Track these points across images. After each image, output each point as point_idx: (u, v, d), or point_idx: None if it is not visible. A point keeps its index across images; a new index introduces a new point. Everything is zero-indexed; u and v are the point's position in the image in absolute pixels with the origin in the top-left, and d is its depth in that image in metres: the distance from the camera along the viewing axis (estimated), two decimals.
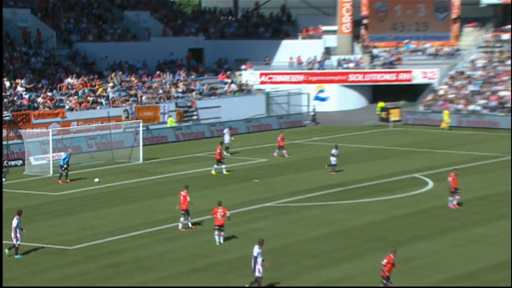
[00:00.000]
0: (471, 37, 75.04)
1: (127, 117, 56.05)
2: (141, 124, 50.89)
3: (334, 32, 74.78)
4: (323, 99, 70.96)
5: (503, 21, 75.04)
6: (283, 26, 78.65)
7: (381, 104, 67.46)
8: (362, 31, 76.24)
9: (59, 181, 41.35)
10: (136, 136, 49.72)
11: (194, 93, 63.58)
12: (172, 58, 68.37)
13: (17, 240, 27.34)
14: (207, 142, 55.91)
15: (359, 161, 47.51)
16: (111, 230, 31.60)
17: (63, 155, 42.22)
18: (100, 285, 24.73)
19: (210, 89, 65.40)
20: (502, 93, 64.98)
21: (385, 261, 22.66)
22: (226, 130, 50.99)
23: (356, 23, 75.04)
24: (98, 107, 56.34)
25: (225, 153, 47.28)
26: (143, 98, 60.10)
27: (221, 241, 28.95)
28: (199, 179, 42.45)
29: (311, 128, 63.72)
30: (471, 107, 64.69)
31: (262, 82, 70.34)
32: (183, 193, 31.64)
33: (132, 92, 60.35)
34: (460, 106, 65.05)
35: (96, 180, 41.11)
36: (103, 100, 57.45)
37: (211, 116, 62.05)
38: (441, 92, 67.79)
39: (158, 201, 37.37)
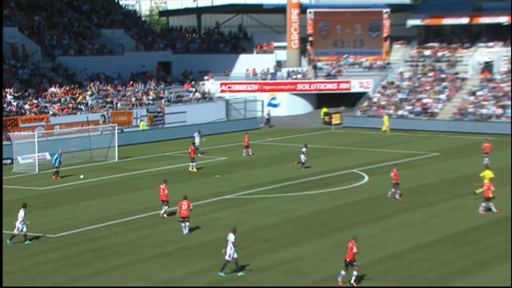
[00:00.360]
0: (399, 53, 75.85)
1: (104, 121, 55.61)
2: (116, 127, 50.58)
3: (284, 47, 74.99)
4: (275, 105, 71.10)
5: (425, 39, 76.05)
6: (240, 42, 78.75)
7: (324, 109, 67.88)
8: (308, 47, 76.54)
9: (53, 177, 40.87)
10: (112, 138, 49.30)
11: (163, 100, 63.30)
12: (143, 70, 67.96)
13: (17, 230, 27.07)
14: (175, 143, 55.69)
15: (307, 158, 47.57)
16: (89, 220, 31.33)
17: (55, 155, 41.66)
18: (80, 268, 24.47)
19: (177, 97, 65.15)
20: (425, 100, 65.74)
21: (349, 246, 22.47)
22: (196, 133, 49.97)
23: (303, 40, 75.32)
24: (78, 113, 55.93)
25: (198, 154, 46.66)
26: (118, 104, 59.68)
27: (187, 231, 28.58)
28: (168, 175, 42.05)
29: (264, 130, 63.84)
30: (399, 112, 65.33)
31: (222, 91, 70.25)
32: (162, 186, 31.68)
33: (109, 99, 59.92)
34: (391, 111, 65.65)
35: (81, 176, 40.71)
36: (82, 107, 57.01)
37: (178, 120, 61.88)
38: (375, 99, 68.36)
39: (131, 194, 37.11)
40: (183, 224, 28.58)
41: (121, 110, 59.01)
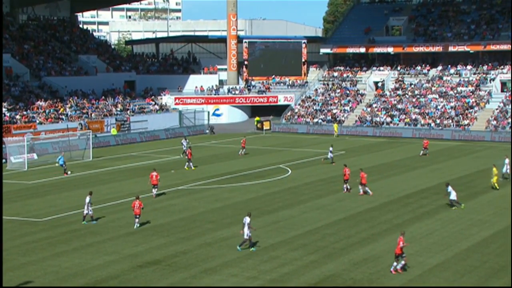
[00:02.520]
0: (314, 74, 76.70)
1: (81, 128, 54.44)
2: (91, 133, 49.72)
3: (225, 69, 74.93)
4: (218, 115, 70.96)
5: (334, 64, 77.18)
6: (190, 66, 78.20)
7: (257, 118, 68.05)
8: (244, 69, 76.70)
9: (65, 174, 39.95)
10: (87, 141, 48.35)
11: (128, 111, 62.35)
12: (113, 87, 66.75)
13: (88, 211, 26.84)
14: (138, 145, 54.99)
15: (243, 157, 47.73)
16: (69, 207, 30.63)
17: (59, 157, 40.99)
18: (62, 245, 23.92)
19: (140, 108, 64.26)
20: (334, 111, 66.69)
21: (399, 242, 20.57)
22: (183, 141, 47.48)
23: (240, 63, 75.44)
24: (60, 122, 54.65)
25: (181, 155, 45.80)
26: (93, 115, 58.54)
27: (137, 226, 26.31)
28: (132, 171, 41.67)
29: (209, 135, 63.60)
30: (315, 120, 66.10)
31: (176, 103, 69.60)
32: (154, 173, 31.95)
33: (85, 111, 58.74)
34: (308, 120, 66.35)
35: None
36: (63, 117, 55.72)
37: (141, 127, 61.13)
38: (296, 110, 68.95)
39: (103, 186, 36.40)
40: (136, 220, 26.54)
41: (95, 119, 57.91)
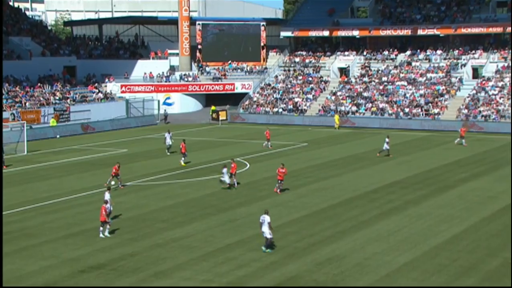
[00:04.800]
0: (274, 59, 77.02)
1: (13, 119, 53.22)
2: (25, 124, 48.67)
3: (177, 54, 74.45)
4: (169, 104, 70.46)
5: (295, 48, 77.64)
6: (138, 50, 77.45)
7: (212, 107, 67.97)
8: (198, 53, 76.34)
9: (4, 167, 39.41)
10: (21, 133, 47.32)
11: (68, 100, 61.28)
12: (50, 73, 65.49)
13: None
14: (80, 138, 54.16)
15: (197, 149, 47.56)
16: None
17: None
18: None
19: (81, 97, 63.26)
20: (296, 100, 67.15)
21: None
22: (167, 134, 45.62)
23: (193, 48, 75.06)
24: None
25: (167, 152, 44.59)
26: (27, 104, 57.29)
27: (106, 234, 25.10)
28: (74, 166, 41.03)
29: (160, 126, 63.16)
30: (275, 109, 66.38)
31: (123, 92, 68.84)
32: (116, 166, 32.96)
33: (18, 99, 57.40)
34: (268, 109, 66.59)
35: None
36: None
37: (82, 117, 60.16)
38: (255, 99, 69.12)
39: (41, 183, 35.74)
40: (101, 228, 25.13)
41: (30, 109, 56.67)
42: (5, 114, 53.45)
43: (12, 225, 26.81)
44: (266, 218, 23.03)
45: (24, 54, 64.87)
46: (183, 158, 40.84)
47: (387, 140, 42.98)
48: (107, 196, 26.49)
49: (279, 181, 32.75)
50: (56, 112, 58.37)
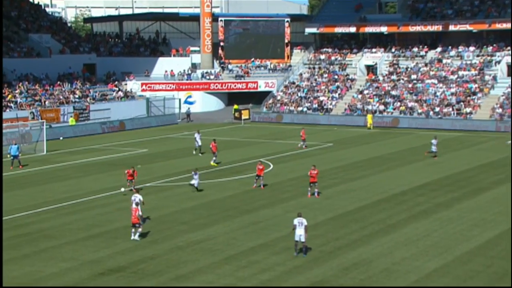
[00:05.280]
0: (299, 57, 76.93)
1: (33, 118, 53.90)
2: (44, 123, 49.23)
3: (198, 51, 74.74)
4: (191, 103, 70.77)
5: (321, 45, 77.43)
6: (159, 47, 77.91)
7: (235, 106, 68.06)
8: (220, 51, 76.57)
9: (20, 167, 40.14)
10: (40, 132, 47.88)
11: (88, 99, 61.87)
12: (70, 71, 66.18)
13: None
14: (99, 137, 54.65)
15: (220, 149, 47.46)
16: (19, 207, 30.30)
17: (11, 146, 41.09)
18: (10, 251, 23.63)
19: (101, 95, 63.82)
20: (321, 98, 66.98)
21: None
22: (197, 134, 45.24)
23: (215, 45, 75.28)
24: (7, 110, 54.00)
25: (198, 153, 44.34)
26: (46, 102, 57.97)
27: (136, 237, 24.92)
28: (93, 166, 41.40)
29: (182, 125, 63.48)
30: (300, 109, 66.30)
31: (143, 90, 69.33)
32: (130, 171, 32.54)
33: (37, 98, 58.11)
34: (292, 108, 66.53)
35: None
36: (12, 104, 55.06)
37: (103, 116, 60.70)
38: (278, 97, 69.10)
39: (59, 183, 36.12)
40: (133, 230, 25.06)
41: (49, 107, 57.33)
42: (25, 113, 54.28)
43: (31, 226, 27.14)
44: (304, 221, 22.66)
45: (43, 51, 65.64)
46: (214, 158, 40.83)
47: (434, 141, 42.52)
48: (137, 198, 26.50)
49: (311, 184, 31.90)
50: (75, 111, 58.95)
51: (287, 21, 77.62)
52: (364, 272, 21.34)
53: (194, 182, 33.16)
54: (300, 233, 22.67)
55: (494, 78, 63.86)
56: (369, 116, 60.06)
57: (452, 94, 62.88)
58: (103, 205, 30.70)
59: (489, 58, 66.59)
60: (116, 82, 68.06)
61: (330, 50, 75.86)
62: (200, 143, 44.89)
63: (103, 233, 26.15)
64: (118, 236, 25.68)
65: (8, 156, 41.18)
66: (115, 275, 21.35)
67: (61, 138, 53.12)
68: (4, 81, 58.73)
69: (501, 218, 27.87)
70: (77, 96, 61.46)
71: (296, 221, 22.97)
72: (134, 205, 25.56)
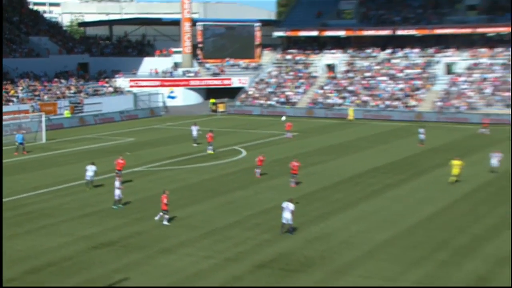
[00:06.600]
0: (268, 57, 76.71)
1: (33, 111, 52.92)
2: (43, 115, 48.40)
3: (179, 52, 74.04)
4: (173, 97, 70.25)
5: (287, 47, 77.29)
6: (145, 48, 77.03)
7: (212, 100, 67.65)
8: (198, 51, 76.00)
9: (24, 152, 39.58)
10: (40, 123, 47.11)
11: (82, 94, 60.96)
12: (66, 69, 65.09)
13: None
14: (92, 128, 53.94)
15: (198, 139, 47.33)
16: (22, 189, 29.88)
17: (18, 135, 40.49)
18: (14, 228, 23.28)
19: (94, 91, 62.93)
20: (287, 93, 66.98)
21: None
22: (193, 126, 43.80)
23: (194, 46, 74.65)
24: (10, 104, 52.99)
25: (193, 144, 42.58)
26: (45, 97, 56.97)
27: (166, 222, 23.87)
28: (87, 153, 40.87)
29: (165, 117, 62.96)
30: (269, 102, 66.23)
31: (131, 86, 68.48)
32: (120, 160, 31.34)
33: (37, 93, 57.10)
34: (262, 101, 66.42)
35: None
36: (14, 99, 54.02)
37: (95, 109, 59.90)
38: (250, 92, 68.91)
39: (59, 168, 35.63)
40: (160, 214, 24.14)
41: (48, 101, 56.38)
42: (26, 106, 53.34)
43: (33, 206, 26.76)
44: (290, 206, 22.35)
45: (42, 52, 64.53)
46: (210, 147, 40.21)
47: (421, 130, 42.56)
48: (116, 183, 26.30)
49: (293, 175, 30.51)
50: (71, 105, 58.09)
51: (258, 26, 77.33)
52: (325, 244, 21.48)
53: (88, 177, 29.37)
54: (286, 216, 22.28)
55: (435, 76, 64.57)
56: (351, 110, 59.28)
57: (400, 89, 63.41)
58: (96, 187, 30.34)
59: (430, 58, 67.26)
60: (107, 79, 67.17)
61: (295, 51, 75.78)
62: (196, 135, 43.31)
63: (96, 212, 25.90)
64: (109, 215, 25.47)
65: (16, 144, 40.49)
66: (107, 248, 21.17)
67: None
68: (8, 78, 57.69)
69: (440, 195, 28.29)
70: (72, 91, 60.54)
71: (283, 204, 22.57)
72: (162, 193, 24.09)
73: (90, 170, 29.61)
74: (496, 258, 19.80)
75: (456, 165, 30.38)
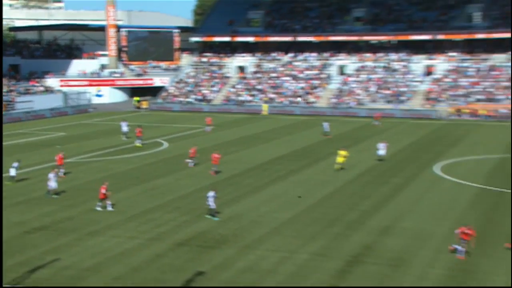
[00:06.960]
0: (186, 60, 75.88)
1: None
2: None
3: (106, 55, 71.55)
4: (100, 96, 67.84)
5: (203, 50, 76.76)
6: (73, 51, 73.68)
7: (136, 98, 66.04)
8: (123, 54, 73.76)
9: None
10: None
11: (14, 93, 57.34)
12: None
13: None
14: (23, 124, 50.95)
15: (129, 133, 45.97)
16: None
17: None
18: None
19: (25, 90, 59.39)
20: (204, 91, 66.62)
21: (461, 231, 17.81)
22: (122, 122, 42.52)
23: (119, 50, 72.35)
24: None
25: (123, 138, 41.01)
26: None
27: (110, 208, 23.06)
28: (21, 147, 38.58)
29: (92, 113, 60.62)
30: (187, 100, 65.58)
31: (61, 86, 65.38)
32: (61, 155, 29.69)
33: None
34: (181, 99, 65.64)
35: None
36: None
37: (26, 107, 56.59)
38: (170, 91, 67.88)
39: None
40: (108, 202, 23.26)
41: None
42: None
43: None
44: (211, 193, 22.10)
45: None
46: (139, 141, 39.08)
47: (326, 124, 43.71)
48: (51, 175, 25.12)
49: (213, 165, 30.14)
50: (4, 103, 54.53)
51: (177, 32, 76.23)
52: (237, 223, 21.64)
53: (12, 173, 27.62)
54: (210, 203, 22.09)
55: (330, 76, 66.65)
56: (265, 106, 59.48)
57: (301, 88, 64.89)
58: (29, 178, 28.72)
59: (326, 61, 69.31)
60: (38, 79, 63.68)
61: (210, 54, 75.41)
62: (126, 130, 41.98)
63: (28, 200, 24.60)
64: (42, 202, 24.25)
65: None
66: (39, 232, 20.19)
67: None
68: None
69: (334, 179, 29.24)
70: (4, 90, 56.81)
71: (209, 193, 22.30)
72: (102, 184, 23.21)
73: (14, 167, 27.46)
74: (379, 230, 20.81)
75: (341, 155, 31.26)
